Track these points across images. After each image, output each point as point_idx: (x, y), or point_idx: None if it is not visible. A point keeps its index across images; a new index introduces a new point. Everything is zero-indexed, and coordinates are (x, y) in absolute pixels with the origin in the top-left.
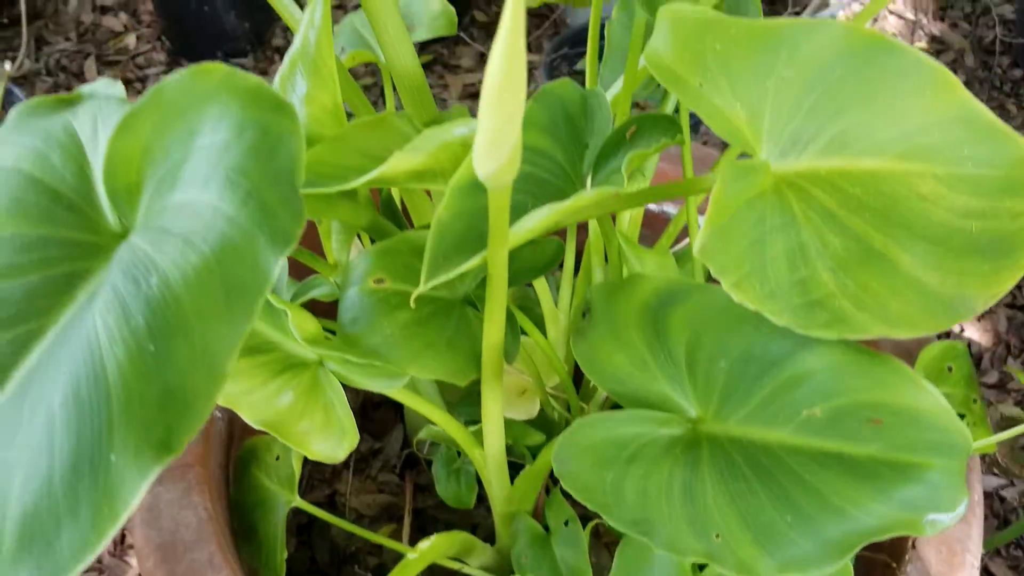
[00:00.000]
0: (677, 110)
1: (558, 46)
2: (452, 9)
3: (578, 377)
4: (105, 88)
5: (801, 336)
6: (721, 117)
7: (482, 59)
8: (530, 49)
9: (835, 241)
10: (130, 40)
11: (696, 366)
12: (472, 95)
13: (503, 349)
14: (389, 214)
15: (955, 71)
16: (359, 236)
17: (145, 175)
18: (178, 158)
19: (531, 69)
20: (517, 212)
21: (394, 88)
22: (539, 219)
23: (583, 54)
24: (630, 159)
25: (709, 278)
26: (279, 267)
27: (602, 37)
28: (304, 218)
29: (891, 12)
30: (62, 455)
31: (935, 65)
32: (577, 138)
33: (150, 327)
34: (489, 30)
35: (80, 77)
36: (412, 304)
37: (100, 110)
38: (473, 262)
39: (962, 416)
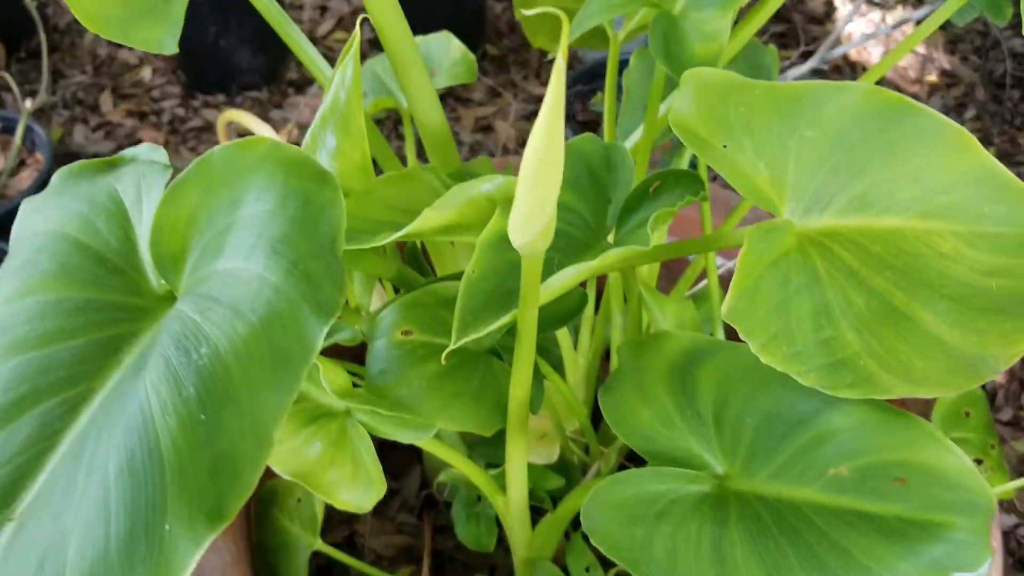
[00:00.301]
0: (696, 160)
1: (572, 83)
2: (472, 57)
3: (596, 417)
4: (148, 153)
5: (827, 395)
6: (744, 178)
7: (493, 93)
8: (541, 82)
9: (859, 300)
10: (145, 73)
11: (723, 423)
12: (484, 128)
13: (529, 402)
14: (413, 262)
15: (966, 105)
16: (380, 280)
17: (190, 241)
18: (223, 226)
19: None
20: (544, 266)
21: (413, 125)
22: (568, 278)
23: (596, 90)
24: (656, 218)
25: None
26: (323, 336)
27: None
28: (345, 288)
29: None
30: (118, 523)
31: (954, 126)
32: (601, 192)
33: (201, 397)
34: (501, 63)
35: (96, 110)
36: (442, 360)
37: (144, 175)
38: (503, 321)
39: (979, 462)
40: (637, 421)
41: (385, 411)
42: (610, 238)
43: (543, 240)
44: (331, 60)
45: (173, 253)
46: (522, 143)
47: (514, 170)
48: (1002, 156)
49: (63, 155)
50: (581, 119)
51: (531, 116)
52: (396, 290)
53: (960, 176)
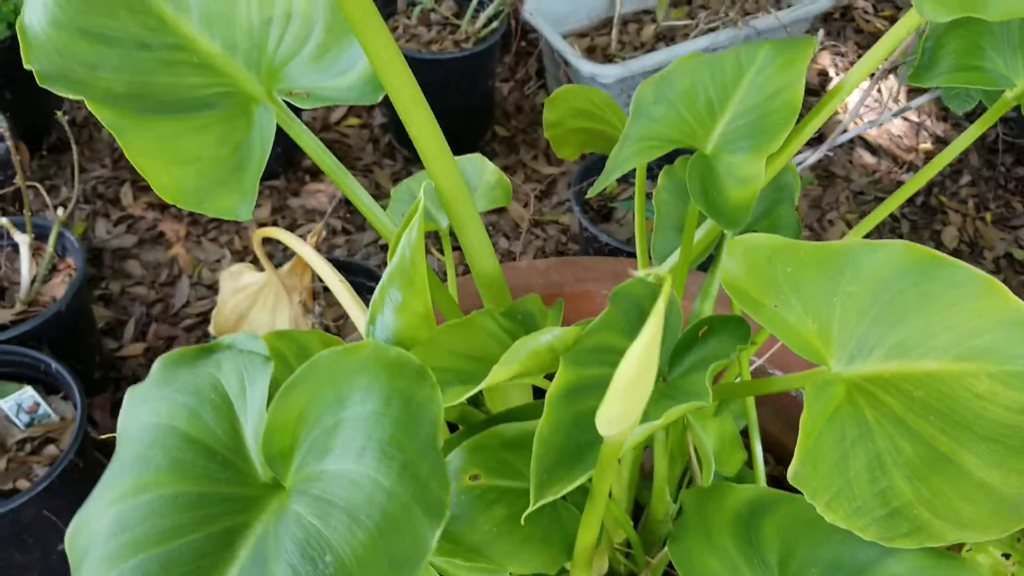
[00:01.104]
0: None
1: (585, 172)
2: (507, 180)
3: (635, 519)
4: (246, 342)
5: None
6: (795, 334)
7: (505, 169)
8: (550, 162)
9: (907, 447)
10: None
11: (788, 572)
12: (496, 209)
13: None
14: (471, 399)
15: (961, 171)
16: None
17: (299, 437)
18: (330, 424)
19: (555, 179)
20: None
21: (453, 240)
22: (634, 438)
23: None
24: (711, 371)
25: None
26: (436, 538)
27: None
28: (450, 486)
29: (898, 113)
30: None
31: (983, 276)
32: None
33: None
34: (510, 144)
35: (117, 203)
36: (522, 522)
37: (246, 367)
38: (578, 483)
39: (1007, 556)
40: (705, 569)
41: (462, 562)
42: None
43: (628, 432)
44: (342, 146)
45: (283, 449)
46: (534, 224)
47: (543, 272)
48: (998, 221)
49: (86, 250)
50: (596, 206)
51: (541, 195)
52: (450, 426)
53: (991, 320)
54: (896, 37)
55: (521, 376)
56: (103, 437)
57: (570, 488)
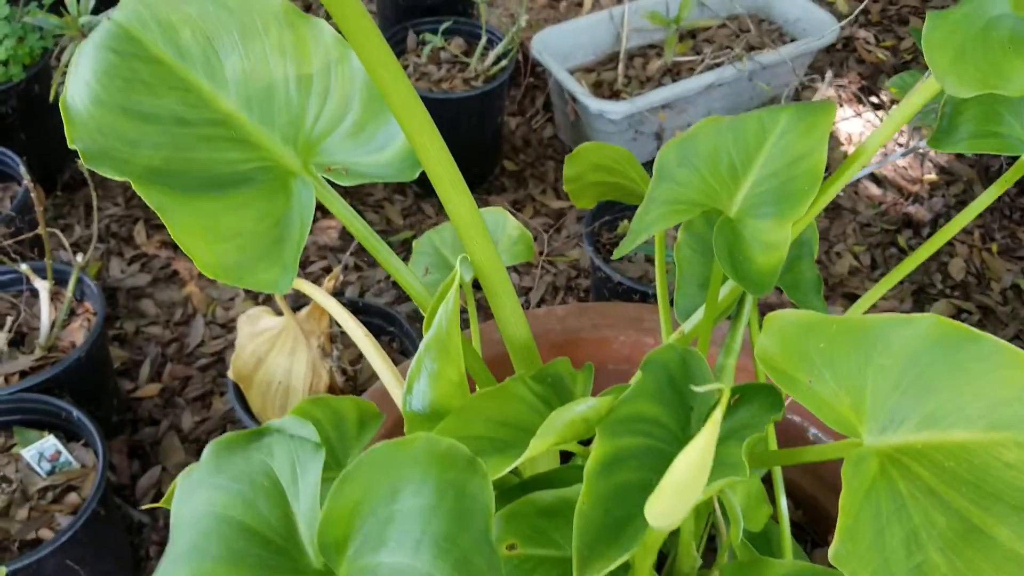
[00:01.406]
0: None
1: (599, 211)
2: (529, 235)
3: (659, 563)
4: (296, 427)
5: None
6: (829, 408)
7: (515, 204)
8: (558, 196)
9: (940, 520)
10: None
11: None
12: None
13: None
14: None
15: (965, 202)
16: None
17: (353, 528)
18: (384, 516)
19: (564, 212)
20: (638, 489)
21: (475, 291)
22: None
23: (621, 218)
24: (747, 446)
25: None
26: None
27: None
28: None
29: (899, 145)
30: None
31: (1010, 348)
32: (682, 401)
33: None
34: (519, 178)
35: (130, 242)
36: None
37: (298, 455)
38: (620, 561)
39: None
40: None
41: None
42: None
43: (675, 524)
44: (361, 189)
45: (337, 539)
46: (546, 260)
47: (561, 318)
48: (1004, 251)
49: (101, 289)
50: (607, 243)
51: (549, 229)
52: None
53: (1018, 390)
54: (915, 105)
55: (557, 445)
56: (145, 507)
57: (613, 567)
